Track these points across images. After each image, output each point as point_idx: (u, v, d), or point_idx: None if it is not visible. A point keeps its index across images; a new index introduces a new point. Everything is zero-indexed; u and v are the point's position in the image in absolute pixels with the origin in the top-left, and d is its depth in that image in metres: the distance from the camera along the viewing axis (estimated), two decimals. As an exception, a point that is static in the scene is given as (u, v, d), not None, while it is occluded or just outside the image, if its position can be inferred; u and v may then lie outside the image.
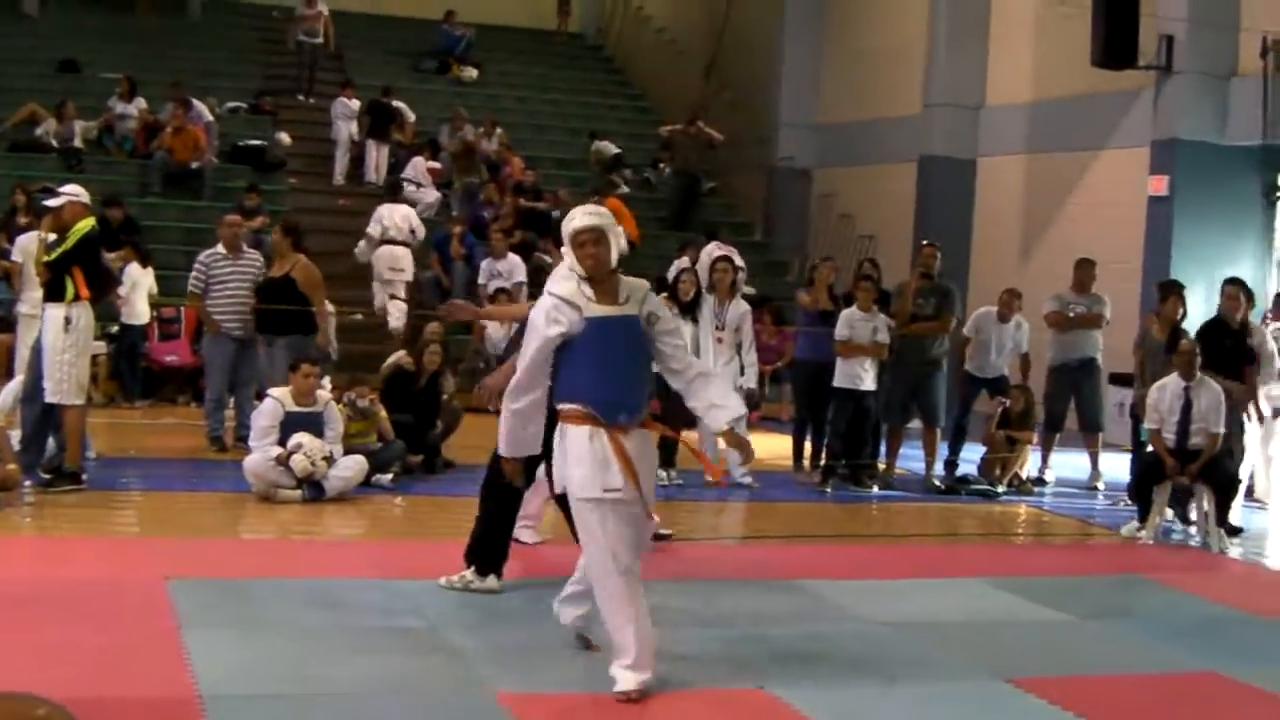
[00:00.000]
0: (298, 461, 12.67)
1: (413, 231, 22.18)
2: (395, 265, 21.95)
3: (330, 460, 12.91)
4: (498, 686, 7.60)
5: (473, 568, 9.86)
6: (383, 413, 14.07)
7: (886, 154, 26.15)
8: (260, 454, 12.79)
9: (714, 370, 14.17)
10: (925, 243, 16.66)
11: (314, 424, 13.04)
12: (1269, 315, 16.09)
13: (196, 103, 24.90)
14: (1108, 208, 21.30)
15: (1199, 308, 18.09)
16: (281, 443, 12.80)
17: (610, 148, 28.95)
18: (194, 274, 15.83)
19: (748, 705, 7.65)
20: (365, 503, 13.07)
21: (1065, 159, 22.58)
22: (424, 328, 16.01)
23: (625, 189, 27.63)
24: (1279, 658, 9.43)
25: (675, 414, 10.49)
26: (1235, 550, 13.23)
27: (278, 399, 13.15)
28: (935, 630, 9.50)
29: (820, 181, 28.57)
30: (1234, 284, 14.82)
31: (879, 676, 8.32)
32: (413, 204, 23.95)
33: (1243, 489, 14.81)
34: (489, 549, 9.89)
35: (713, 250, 15.62)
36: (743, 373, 14.96)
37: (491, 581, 9.82)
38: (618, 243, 7.64)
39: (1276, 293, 16.61)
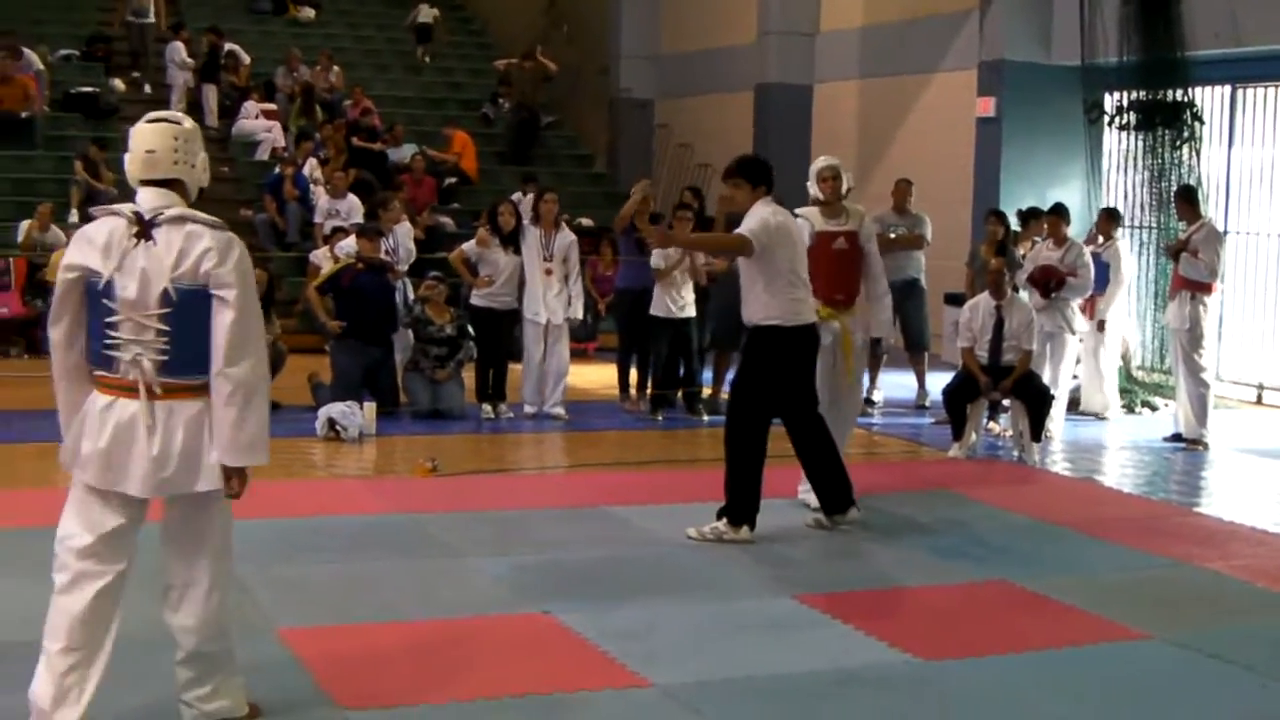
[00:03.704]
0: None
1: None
2: None
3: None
4: (278, 622, 7.64)
5: (724, 519, 9.95)
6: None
7: (724, 83, 26.21)
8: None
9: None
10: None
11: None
12: (1093, 232, 16.35)
13: (27, 51, 24.46)
14: (940, 130, 21.48)
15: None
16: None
17: (426, 11, 30.26)
18: None
19: (526, 628, 7.76)
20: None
21: (897, 82, 22.74)
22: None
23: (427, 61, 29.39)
24: (1074, 566, 9.68)
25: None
26: (1061, 465, 13.51)
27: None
28: (732, 550, 9.65)
29: (660, 112, 28.65)
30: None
31: (666, 597, 8.48)
32: (254, 141, 24.22)
33: (1064, 402, 15.13)
34: (740, 499, 9.94)
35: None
36: (569, 304, 15.10)
37: (745, 533, 9.91)
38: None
39: (1100, 209, 16.81)
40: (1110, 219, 16.25)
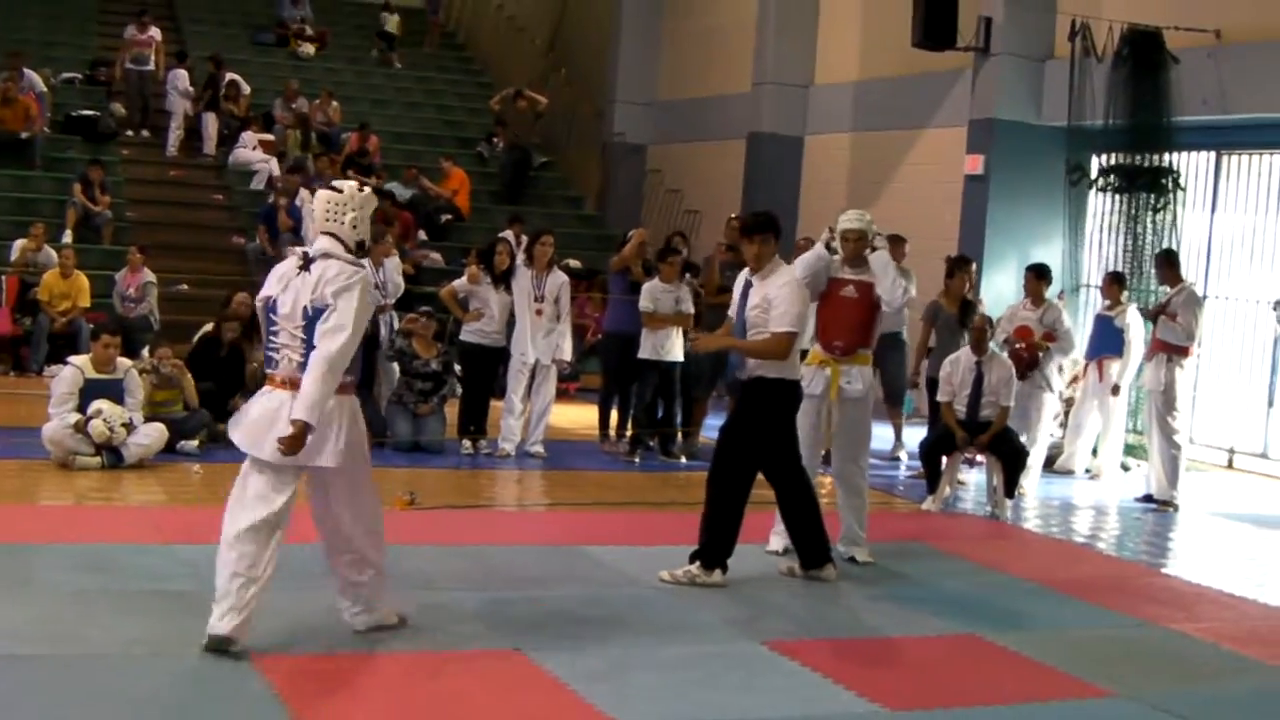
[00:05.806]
0: (95, 427, 12.53)
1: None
2: None
3: (130, 427, 12.78)
4: (252, 648, 7.57)
5: (698, 562, 9.87)
6: (189, 379, 13.93)
7: (717, 131, 26.22)
8: (58, 420, 12.64)
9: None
10: (733, 216, 16.82)
11: (114, 391, 12.92)
12: (1103, 292, 16.41)
13: (29, 72, 24.40)
14: (928, 186, 21.48)
15: (1010, 284, 18.45)
16: (81, 410, 12.67)
17: (390, 20, 31.85)
18: None
19: (497, 665, 7.72)
20: (166, 470, 12.94)
21: (889, 137, 22.73)
22: (233, 297, 15.61)
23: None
24: (1043, 622, 9.67)
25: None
26: (1033, 522, 13.50)
27: (78, 366, 13.03)
28: (704, 594, 9.62)
29: (652, 157, 28.70)
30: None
31: (637, 638, 8.46)
32: (250, 170, 24.17)
33: (1040, 460, 15.17)
34: (715, 543, 9.86)
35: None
36: (557, 345, 15.11)
37: (717, 576, 9.84)
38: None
39: (1107, 273, 16.76)
40: (1116, 283, 16.22)
